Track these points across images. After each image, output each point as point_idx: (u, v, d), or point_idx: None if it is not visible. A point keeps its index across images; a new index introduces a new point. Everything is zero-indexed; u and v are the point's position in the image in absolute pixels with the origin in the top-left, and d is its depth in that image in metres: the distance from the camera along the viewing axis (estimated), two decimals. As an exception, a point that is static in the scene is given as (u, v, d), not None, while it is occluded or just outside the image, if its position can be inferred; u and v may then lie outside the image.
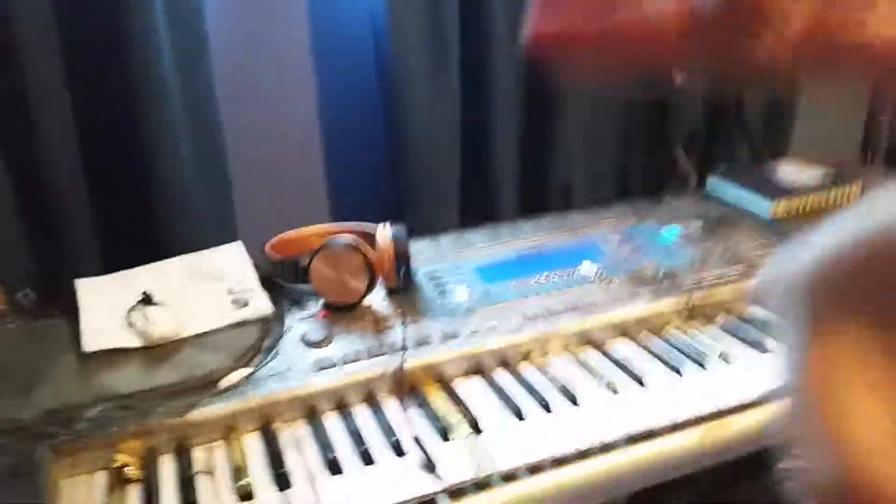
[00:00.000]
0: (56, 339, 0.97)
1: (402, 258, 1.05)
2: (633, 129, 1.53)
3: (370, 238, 1.06)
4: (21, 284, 1.06)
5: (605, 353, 1.01)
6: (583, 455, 0.83)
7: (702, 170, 1.47)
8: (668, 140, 1.49)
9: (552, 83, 1.35)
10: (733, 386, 0.93)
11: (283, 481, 0.79)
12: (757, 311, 1.08)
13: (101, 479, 0.80)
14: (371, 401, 0.92)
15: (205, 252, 1.13)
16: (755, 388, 0.92)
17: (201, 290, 1.06)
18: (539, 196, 1.46)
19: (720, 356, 0.98)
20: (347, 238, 1.04)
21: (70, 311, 1.01)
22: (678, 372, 0.96)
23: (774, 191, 1.33)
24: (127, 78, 1.10)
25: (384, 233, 1.06)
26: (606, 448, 0.84)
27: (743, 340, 1.02)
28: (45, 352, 0.94)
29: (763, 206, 1.31)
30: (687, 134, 1.51)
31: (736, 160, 1.54)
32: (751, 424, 0.90)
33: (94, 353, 0.94)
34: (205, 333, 0.99)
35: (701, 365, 0.97)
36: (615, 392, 0.93)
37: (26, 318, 1.02)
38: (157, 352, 0.95)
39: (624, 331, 1.04)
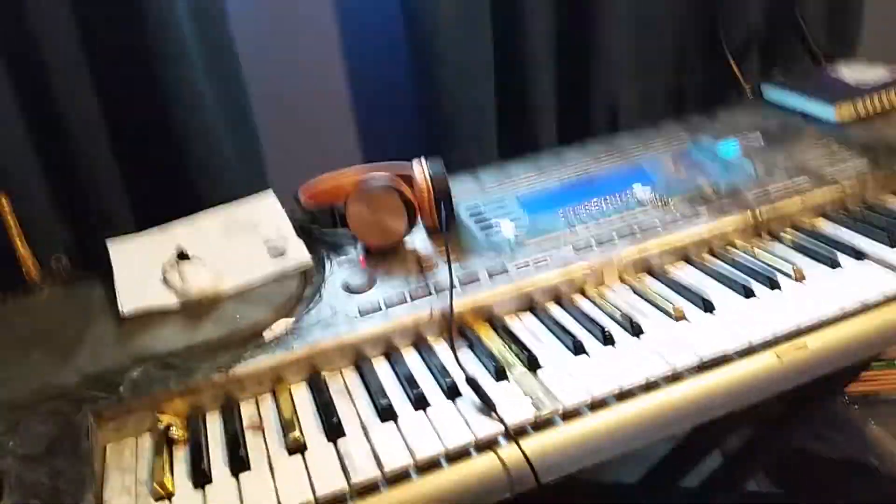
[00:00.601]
0: (92, 302, 0.94)
1: (441, 195, 0.99)
2: (682, 40, 1.43)
3: (407, 177, 1.01)
4: (52, 250, 1.03)
5: (665, 279, 0.94)
6: (649, 387, 0.78)
7: (759, 78, 1.37)
8: (721, 48, 1.39)
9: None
10: (807, 304, 0.86)
11: (334, 432, 0.75)
12: (827, 226, 1.01)
13: (146, 441, 0.77)
14: (420, 344, 0.88)
15: (237, 203, 1.09)
16: (830, 306, 0.85)
17: (237, 242, 1.02)
18: (583, 123, 1.39)
19: (791, 273, 0.92)
20: (383, 178, 0.99)
21: (104, 273, 0.98)
22: (746, 293, 0.89)
23: (837, 93, 1.23)
24: (143, 32, 1.06)
25: (421, 169, 1.00)
26: (675, 377, 0.79)
27: (813, 257, 0.95)
28: (82, 316, 0.92)
29: (826, 111, 1.21)
30: (741, 40, 1.40)
31: (794, 64, 1.44)
32: (829, 343, 0.83)
33: (132, 313, 0.91)
34: (244, 287, 0.95)
35: (771, 284, 0.90)
36: (678, 319, 0.87)
37: (60, 283, 0.99)
38: (196, 308, 0.92)
39: (684, 254, 0.98)
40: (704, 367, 0.80)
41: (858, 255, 0.94)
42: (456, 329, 0.88)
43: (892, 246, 0.95)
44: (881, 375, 1.55)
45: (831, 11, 1.50)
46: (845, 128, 1.19)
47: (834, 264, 0.93)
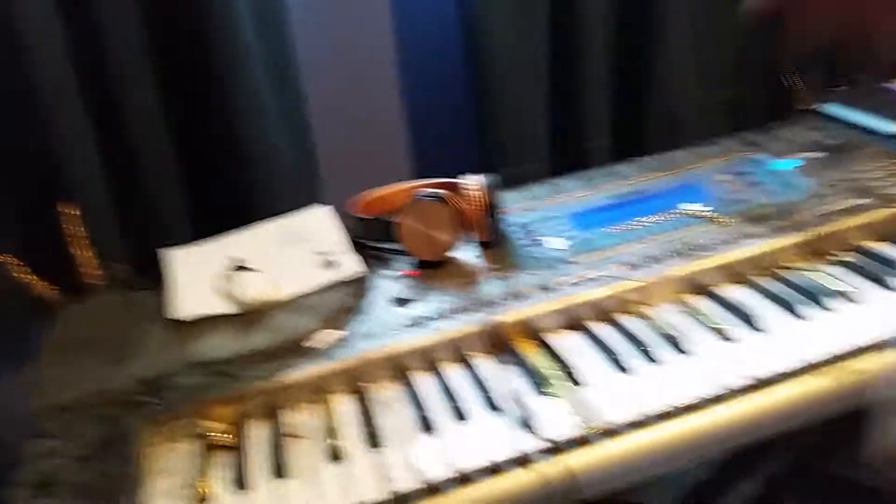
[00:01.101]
0: (149, 308, 0.97)
1: (493, 209, 1.00)
2: (744, 58, 1.40)
3: (458, 191, 1.01)
4: (115, 257, 1.07)
5: (716, 298, 0.93)
6: (691, 408, 0.77)
7: (819, 94, 1.33)
8: (782, 66, 1.36)
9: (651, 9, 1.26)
10: (860, 326, 0.84)
11: (375, 441, 0.76)
12: (889, 249, 0.97)
13: (192, 446, 0.79)
14: (463, 358, 0.88)
15: (292, 215, 1.11)
16: (884, 328, 0.83)
17: (290, 253, 1.05)
18: (639, 137, 1.37)
19: (844, 295, 0.89)
20: (435, 191, 1.00)
21: (161, 281, 1.01)
22: (798, 314, 0.87)
23: (902, 112, 1.20)
24: (208, 46, 1.10)
25: (473, 183, 1.01)
26: (719, 399, 0.77)
27: (870, 278, 0.92)
28: (138, 321, 0.95)
29: (887, 128, 1.18)
30: (803, 56, 1.37)
31: (856, 81, 1.40)
32: (885, 366, 0.80)
33: (186, 321, 0.94)
34: (296, 296, 0.97)
35: (823, 305, 0.88)
36: (728, 339, 0.85)
37: (121, 289, 1.03)
38: (247, 317, 0.94)
39: (737, 273, 0.96)
40: (751, 388, 0.78)
41: (919, 277, 0.91)
42: (501, 344, 0.88)
43: (955, 270, 0.91)
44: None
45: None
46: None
47: (890, 287, 0.90)
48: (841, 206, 1.02)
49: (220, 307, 0.96)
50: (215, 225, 1.09)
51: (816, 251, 0.98)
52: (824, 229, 0.98)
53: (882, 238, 1.00)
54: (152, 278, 1.02)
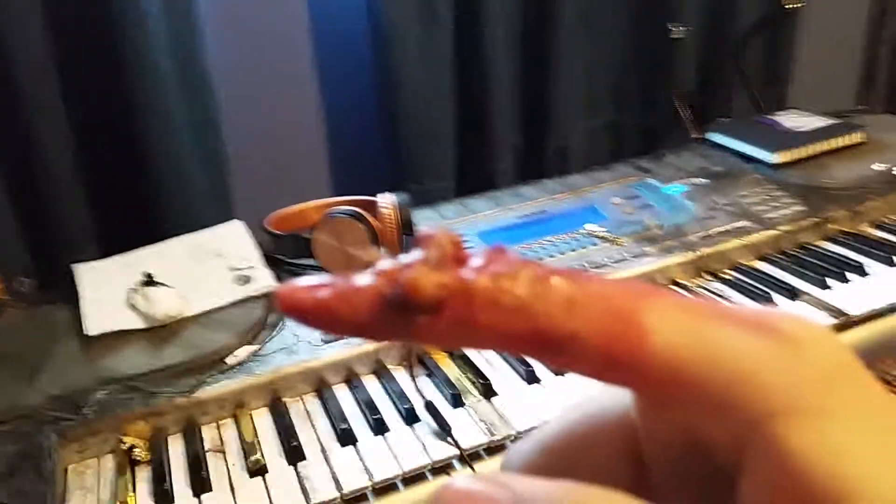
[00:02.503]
0: (57, 324, 0.95)
1: (406, 226, 1.03)
2: (629, 85, 1.51)
3: (372, 209, 1.04)
4: (18, 272, 1.04)
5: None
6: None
7: (701, 123, 1.44)
8: (665, 94, 1.47)
9: (547, 43, 1.33)
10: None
11: (294, 455, 0.78)
12: (765, 267, 1.07)
13: (109, 462, 0.79)
14: (380, 371, 0.91)
15: (204, 231, 1.11)
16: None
17: (203, 268, 1.05)
18: (537, 161, 1.44)
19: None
20: (349, 208, 1.02)
21: (70, 295, 0.99)
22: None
23: (777, 141, 1.31)
24: (118, 60, 1.08)
25: (386, 201, 1.04)
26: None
27: (750, 296, 1.01)
28: (47, 337, 0.93)
29: (766, 158, 1.29)
30: (684, 87, 1.49)
31: (733, 112, 1.52)
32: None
33: (97, 336, 0.93)
34: (209, 311, 0.97)
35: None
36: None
37: (26, 304, 1.00)
38: (160, 332, 0.94)
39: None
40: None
41: (793, 294, 1.00)
42: (416, 357, 0.91)
43: (823, 287, 1.01)
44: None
45: (768, 62, 1.60)
46: (784, 172, 1.26)
47: (769, 302, 0.99)
48: (723, 228, 1.11)
49: (131, 322, 0.95)
50: (125, 241, 1.08)
51: (700, 269, 1.07)
52: (708, 250, 1.07)
53: (761, 257, 1.09)
54: (60, 293, 1.00)
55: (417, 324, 0.18)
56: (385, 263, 0.19)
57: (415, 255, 0.19)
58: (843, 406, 0.16)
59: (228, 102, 1.22)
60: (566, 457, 0.21)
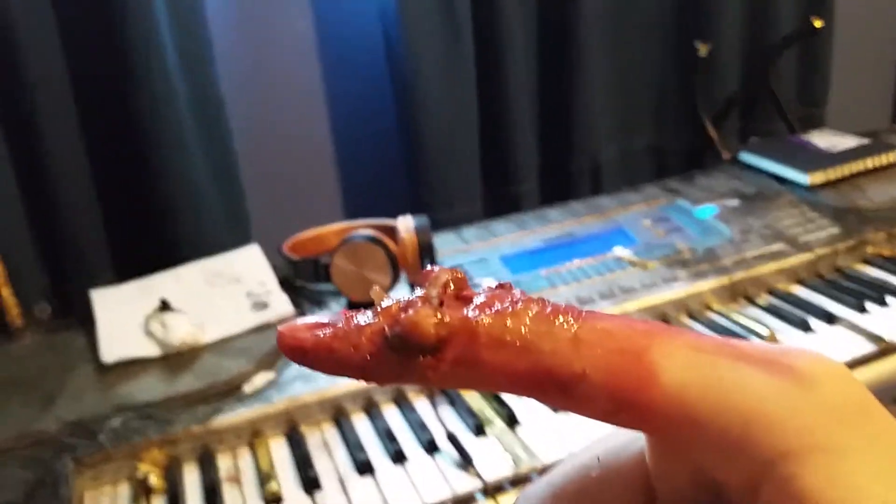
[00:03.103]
0: (74, 350, 0.94)
1: (425, 250, 1.01)
2: (663, 106, 1.48)
3: (391, 233, 1.03)
4: (36, 298, 1.03)
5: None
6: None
7: (735, 144, 1.41)
8: (699, 115, 1.43)
9: (570, 62, 1.31)
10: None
11: (311, 485, 0.76)
12: (801, 291, 1.03)
13: (124, 490, 0.77)
14: (400, 400, 0.88)
15: (221, 256, 1.10)
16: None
17: (219, 294, 1.03)
18: (563, 183, 1.42)
19: (765, 336, 0.93)
20: (368, 232, 1.00)
21: (87, 322, 0.98)
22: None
23: (810, 162, 1.27)
24: (132, 85, 1.08)
25: (406, 224, 1.02)
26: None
27: (787, 320, 0.97)
28: (64, 364, 0.92)
29: (800, 179, 1.25)
30: (718, 108, 1.45)
31: (769, 132, 1.48)
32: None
33: (114, 363, 0.91)
34: (225, 338, 0.96)
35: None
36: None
37: (43, 331, 0.99)
38: (176, 359, 0.92)
39: (662, 315, 1.00)
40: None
41: (830, 319, 0.96)
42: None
43: (861, 311, 0.97)
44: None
45: (803, 77, 1.56)
46: (818, 193, 1.23)
47: (806, 328, 0.95)
48: (757, 251, 1.07)
49: (147, 350, 0.93)
50: (143, 266, 1.07)
51: (735, 294, 1.03)
52: (741, 274, 1.03)
53: (797, 281, 1.05)
54: (77, 319, 0.99)
55: (419, 364, 0.18)
56: (386, 302, 0.19)
57: (417, 292, 0.19)
58: (858, 443, 0.16)
59: (244, 126, 1.21)
60: (579, 501, 0.21)
